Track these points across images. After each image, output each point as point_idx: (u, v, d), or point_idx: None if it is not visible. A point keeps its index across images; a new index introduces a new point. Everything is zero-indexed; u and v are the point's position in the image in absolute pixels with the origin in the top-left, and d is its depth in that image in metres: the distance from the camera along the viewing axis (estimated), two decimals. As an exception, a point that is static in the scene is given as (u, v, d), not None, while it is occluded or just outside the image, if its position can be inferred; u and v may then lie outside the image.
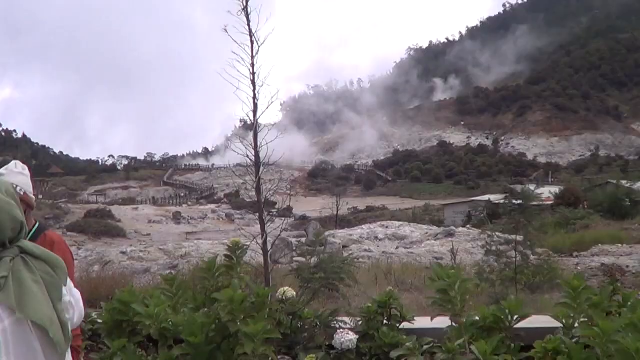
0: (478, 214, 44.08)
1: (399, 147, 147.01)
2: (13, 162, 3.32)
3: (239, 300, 3.41)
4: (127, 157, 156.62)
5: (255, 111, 4.41)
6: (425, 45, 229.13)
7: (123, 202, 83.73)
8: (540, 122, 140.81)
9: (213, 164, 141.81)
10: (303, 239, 28.10)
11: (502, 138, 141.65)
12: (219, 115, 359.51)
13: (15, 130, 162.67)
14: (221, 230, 54.65)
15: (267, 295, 3.53)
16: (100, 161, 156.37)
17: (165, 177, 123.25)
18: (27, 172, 3.31)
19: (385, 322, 3.68)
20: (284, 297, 3.92)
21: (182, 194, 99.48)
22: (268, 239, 5.23)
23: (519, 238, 21.79)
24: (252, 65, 4.30)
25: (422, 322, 3.69)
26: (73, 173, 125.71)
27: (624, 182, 40.41)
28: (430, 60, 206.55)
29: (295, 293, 4.17)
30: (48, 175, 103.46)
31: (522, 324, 3.39)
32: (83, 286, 10.50)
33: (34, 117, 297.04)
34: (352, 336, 3.48)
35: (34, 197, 3.31)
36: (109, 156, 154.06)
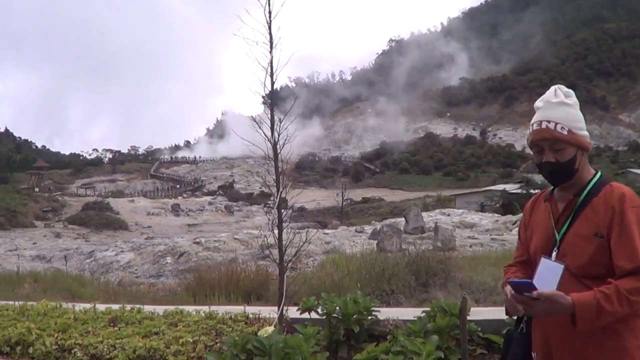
0: (494, 203, 43.01)
1: (385, 138, 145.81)
2: (553, 88, 2.54)
3: None
4: (111, 151, 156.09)
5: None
6: (407, 37, 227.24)
7: (112, 195, 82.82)
8: (527, 113, 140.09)
9: (200, 156, 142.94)
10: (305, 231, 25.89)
11: (489, 129, 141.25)
12: (200, 106, 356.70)
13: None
14: (222, 222, 53.40)
15: None
16: (83, 155, 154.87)
17: (151, 169, 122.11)
18: (572, 100, 2.48)
19: None
20: None
21: (174, 186, 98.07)
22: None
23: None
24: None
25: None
26: (58, 167, 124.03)
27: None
28: (413, 52, 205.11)
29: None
30: (34, 169, 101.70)
31: None
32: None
33: (14, 111, 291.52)
34: None
35: (583, 133, 2.44)
36: (93, 149, 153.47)
